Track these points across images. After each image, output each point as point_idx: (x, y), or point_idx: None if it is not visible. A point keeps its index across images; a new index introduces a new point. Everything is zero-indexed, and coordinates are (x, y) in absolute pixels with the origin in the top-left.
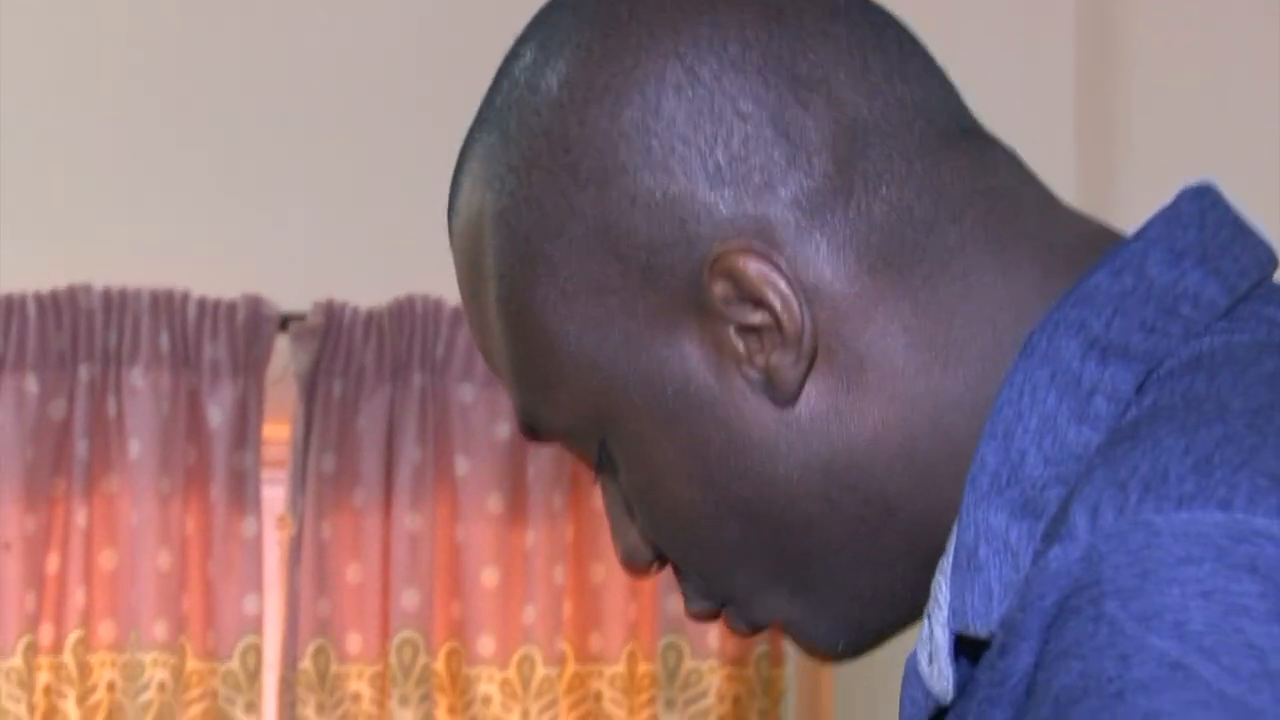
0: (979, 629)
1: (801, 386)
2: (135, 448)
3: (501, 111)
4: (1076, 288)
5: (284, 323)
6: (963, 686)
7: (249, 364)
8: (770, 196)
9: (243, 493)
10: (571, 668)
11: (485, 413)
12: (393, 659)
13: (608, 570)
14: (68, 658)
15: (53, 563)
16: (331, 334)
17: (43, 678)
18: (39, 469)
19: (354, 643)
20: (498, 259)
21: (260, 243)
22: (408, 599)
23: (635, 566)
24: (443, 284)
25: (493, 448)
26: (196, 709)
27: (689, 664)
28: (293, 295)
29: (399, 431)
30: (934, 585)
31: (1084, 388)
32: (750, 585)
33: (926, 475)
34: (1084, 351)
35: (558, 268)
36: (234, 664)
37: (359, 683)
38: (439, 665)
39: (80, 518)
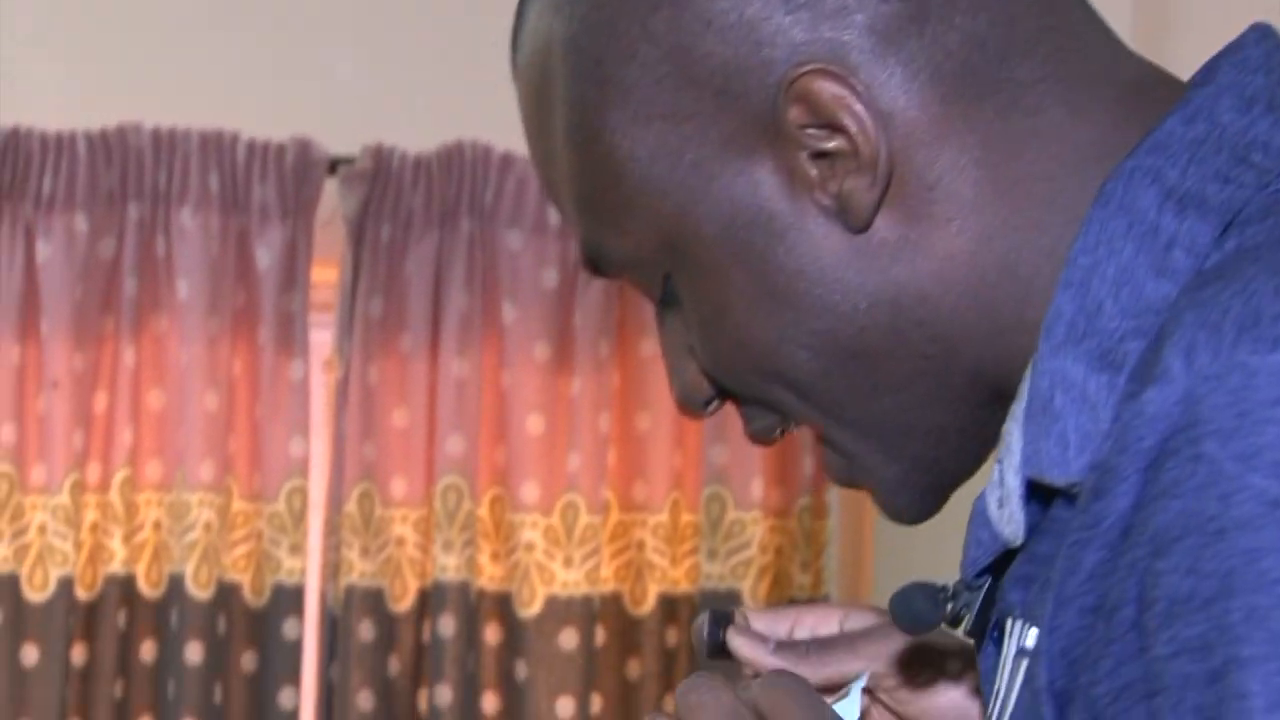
0: (1054, 477)
1: (875, 213)
2: (184, 288)
3: None
4: (1151, 135)
5: (333, 166)
6: (1032, 529)
7: (298, 207)
8: (846, 21)
9: (290, 335)
10: (615, 516)
11: (533, 260)
12: (437, 504)
13: (653, 419)
14: (114, 496)
15: (100, 401)
16: (380, 178)
17: (89, 515)
18: (88, 308)
19: (399, 487)
20: (567, 86)
21: (310, 86)
22: (453, 444)
23: (691, 406)
24: (492, 130)
25: (540, 295)
26: (241, 550)
27: (732, 515)
28: (342, 139)
29: (446, 277)
30: (1005, 431)
31: (1161, 240)
32: (818, 423)
33: (992, 315)
34: (1161, 202)
35: (630, 93)
36: (279, 506)
37: (403, 527)
38: (483, 511)
39: (128, 357)
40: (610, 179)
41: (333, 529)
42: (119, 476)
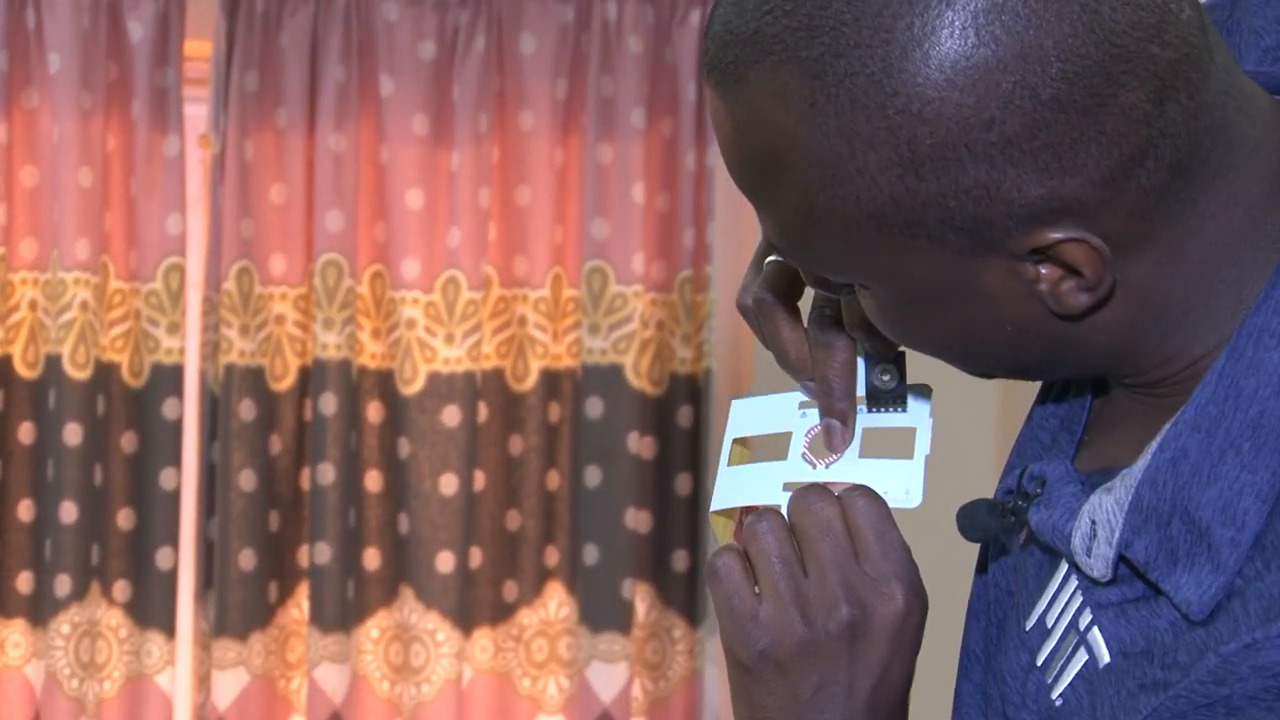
0: (1155, 577)
1: (1088, 314)
2: (55, 62)
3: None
4: (1273, 291)
5: None
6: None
7: None
8: (1077, 175)
9: (164, 110)
10: (496, 291)
11: (410, 31)
12: (316, 281)
13: (533, 193)
14: None
15: None
16: None
17: None
18: None
19: (277, 264)
20: (808, 176)
21: None
22: (331, 221)
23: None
24: None
25: (417, 67)
26: (119, 329)
27: (613, 289)
28: None
29: (322, 50)
30: (1100, 502)
31: None
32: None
33: (1133, 362)
34: None
35: (876, 215)
36: (157, 285)
37: (283, 305)
38: (363, 288)
39: (0, 133)
40: (832, 248)
41: (211, 308)
42: None
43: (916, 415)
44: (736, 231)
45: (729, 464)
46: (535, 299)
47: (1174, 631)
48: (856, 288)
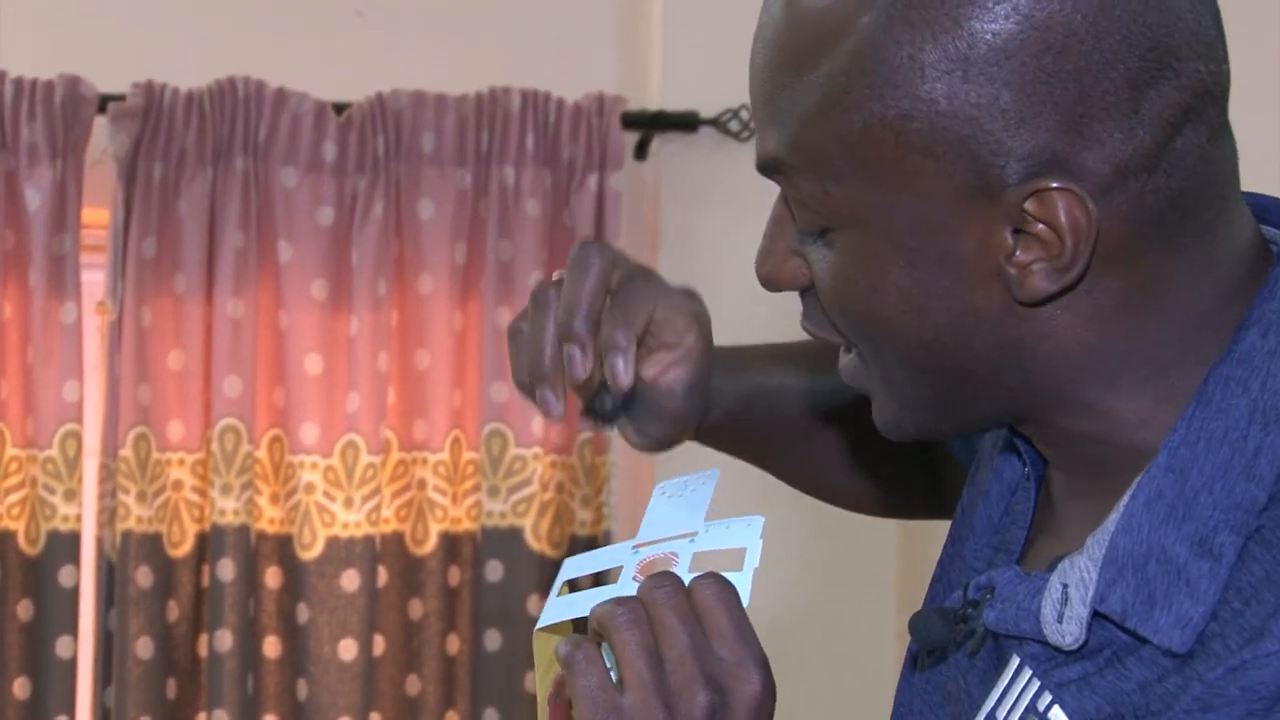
0: (1133, 624)
1: (1046, 301)
2: None
3: None
4: (1236, 345)
5: (103, 104)
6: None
7: (67, 146)
8: (1098, 150)
9: (62, 278)
10: (395, 455)
11: (308, 197)
12: (214, 447)
13: (432, 357)
14: None
15: None
16: (152, 115)
17: None
18: None
19: (175, 430)
20: (848, 74)
21: (78, 21)
22: (230, 386)
23: (769, 287)
24: (264, 66)
25: (315, 233)
26: (15, 497)
27: (513, 451)
28: (112, 75)
29: (221, 216)
30: (1073, 564)
31: (1250, 448)
32: (881, 370)
33: (1075, 396)
34: (1250, 414)
35: (905, 119)
36: (53, 452)
37: (180, 471)
38: (261, 453)
39: None
40: (841, 153)
41: (108, 474)
42: None
43: (748, 537)
44: None
45: (558, 595)
46: (434, 462)
47: (1143, 690)
48: (820, 241)
